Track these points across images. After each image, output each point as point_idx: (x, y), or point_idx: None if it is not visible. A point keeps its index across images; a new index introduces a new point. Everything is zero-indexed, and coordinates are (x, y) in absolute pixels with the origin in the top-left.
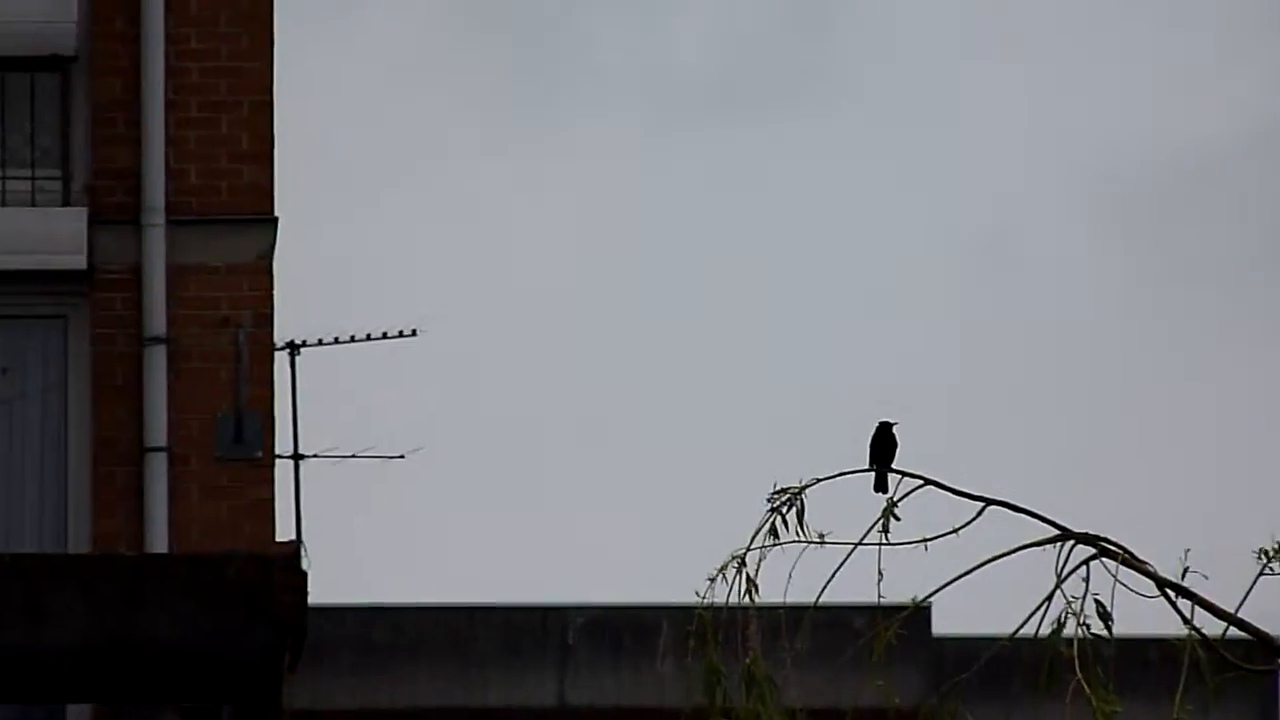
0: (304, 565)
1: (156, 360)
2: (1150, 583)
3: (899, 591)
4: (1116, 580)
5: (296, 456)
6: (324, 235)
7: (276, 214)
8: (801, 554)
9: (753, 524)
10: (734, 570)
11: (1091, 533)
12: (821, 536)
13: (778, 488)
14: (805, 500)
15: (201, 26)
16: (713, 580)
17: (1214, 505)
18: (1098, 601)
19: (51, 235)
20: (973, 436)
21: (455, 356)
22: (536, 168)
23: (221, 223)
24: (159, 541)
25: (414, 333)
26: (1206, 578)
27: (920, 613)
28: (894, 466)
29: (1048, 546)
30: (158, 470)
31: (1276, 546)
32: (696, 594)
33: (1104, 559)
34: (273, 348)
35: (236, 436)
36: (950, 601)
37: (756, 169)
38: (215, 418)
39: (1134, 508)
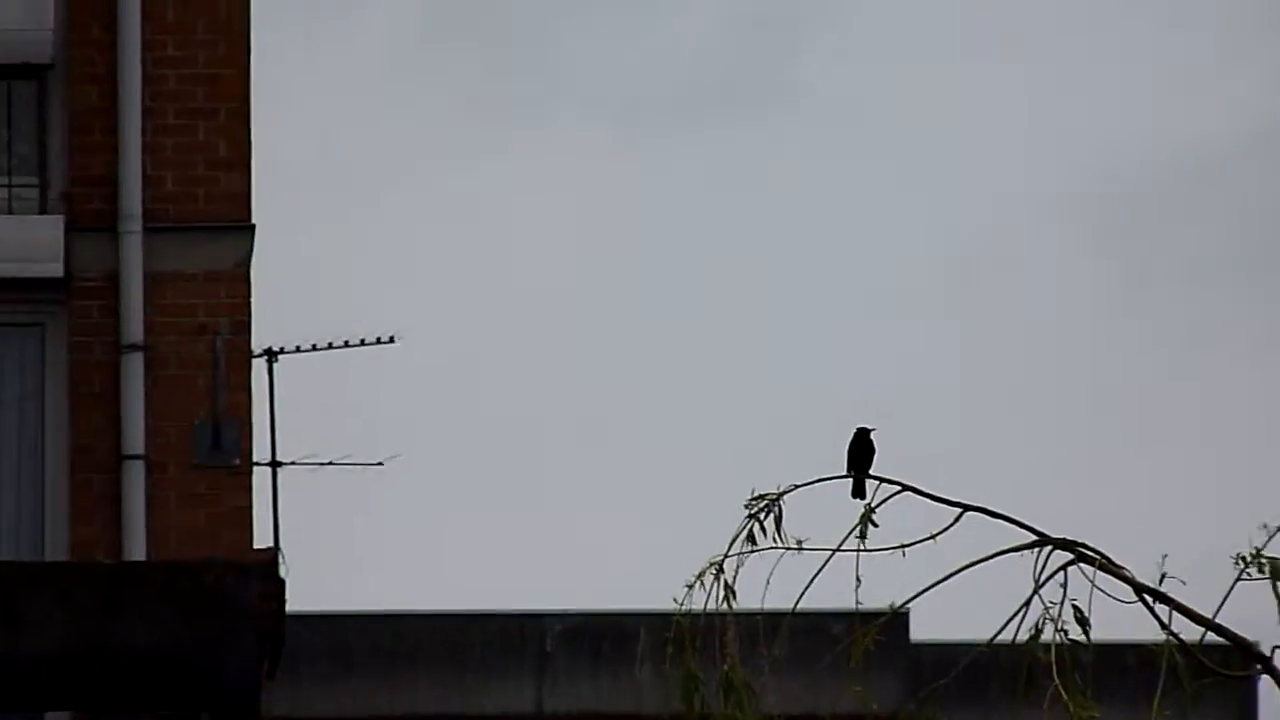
0: (282, 573)
1: (134, 368)
2: (1128, 588)
3: (877, 598)
4: (1094, 586)
5: (274, 464)
6: (301, 242)
7: (254, 221)
8: (779, 560)
9: (741, 525)
10: (712, 577)
11: (1069, 538)
12: (799, 543)
13: (755, 494)
14: (783, 506)
15: (178, 34)
16: (691, 587)
17: (1195, 510)
18: (1075, 607)
19: (28, 243)
20: (972, 437)
21: (444, 359)
22: (535, 168)
23: (199, 230)
24: (137, 549)
25: (392, 339)
26: (1184, 583)
27: (898, 619)
28: (872, 472)
29: (1025, 552)
30: (135, 478)
31: (1254, 552)
32: (674, 601)
33: (1082, 564)
34: (250, 355)
35: (214, 444)
36: (928, 607)
37: (756, 169)
38: (193, 425)
39: (1133, 511)
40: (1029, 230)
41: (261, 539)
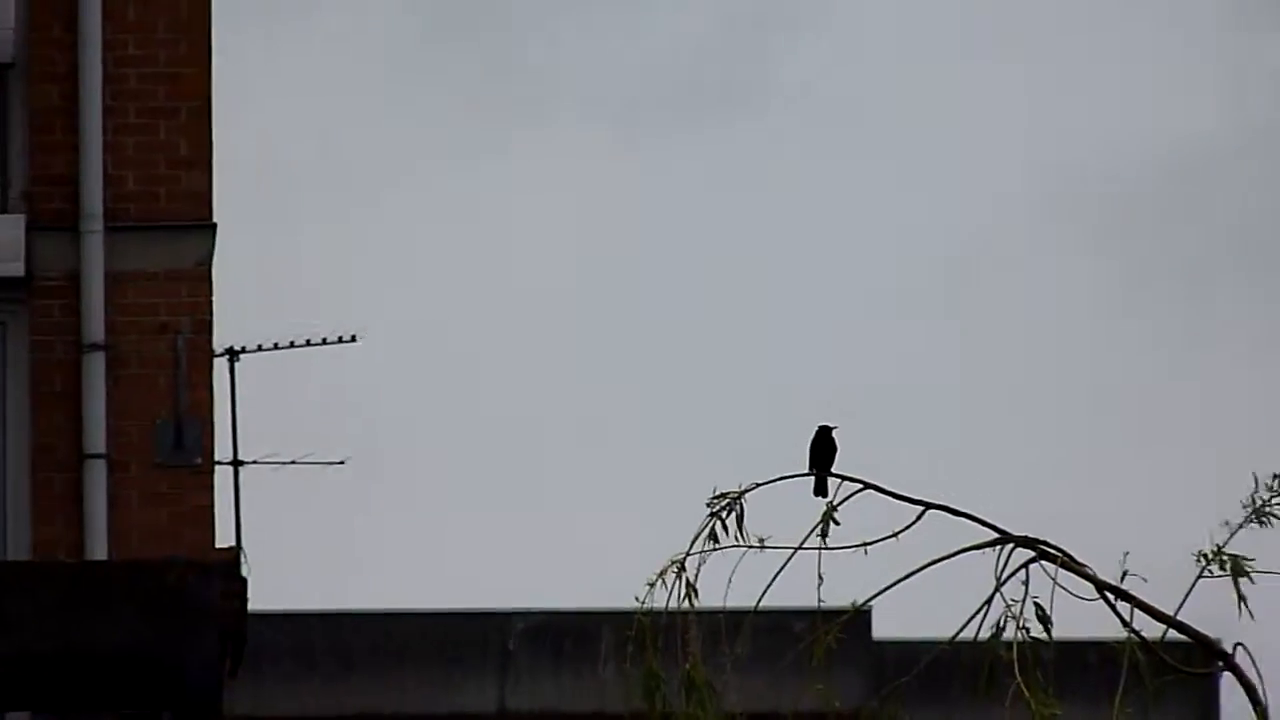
0: (244, 572)
1: (95, 367)
2: (1090, 586)
3: (839, 595)
4: (1056, 583)
5: (236, 463)
6: (263, 241)
7: (215, 220)
8: (741, 558)
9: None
10: (674, 575)
11: (1031, 536)
12: (761, 541)
13: (717, 492)
14: (745, 505)
15: (139, 33)
16: (652, 585)
17: (1158, 509)
18: (1037, 605)
19: None
20: (971, 437)
21: (401, 362)
22: (535, 168)
23: (160, 229)
24: (98, 548)
25: (354, 338)
26: (1146, 580)
27: (860, 616)
28: (834, 470)
29: (987, 550)
30: (97, 477)
31: (1216, 549)
32: (636, 599)
33: (1043, 562)
34: (212, 354)
35: (176, 443)
36: (890, 605)
37: (756, 169)
38: (154, 424)
39: (1080, 512)
40: (1029, 230)
41: (223, 538)
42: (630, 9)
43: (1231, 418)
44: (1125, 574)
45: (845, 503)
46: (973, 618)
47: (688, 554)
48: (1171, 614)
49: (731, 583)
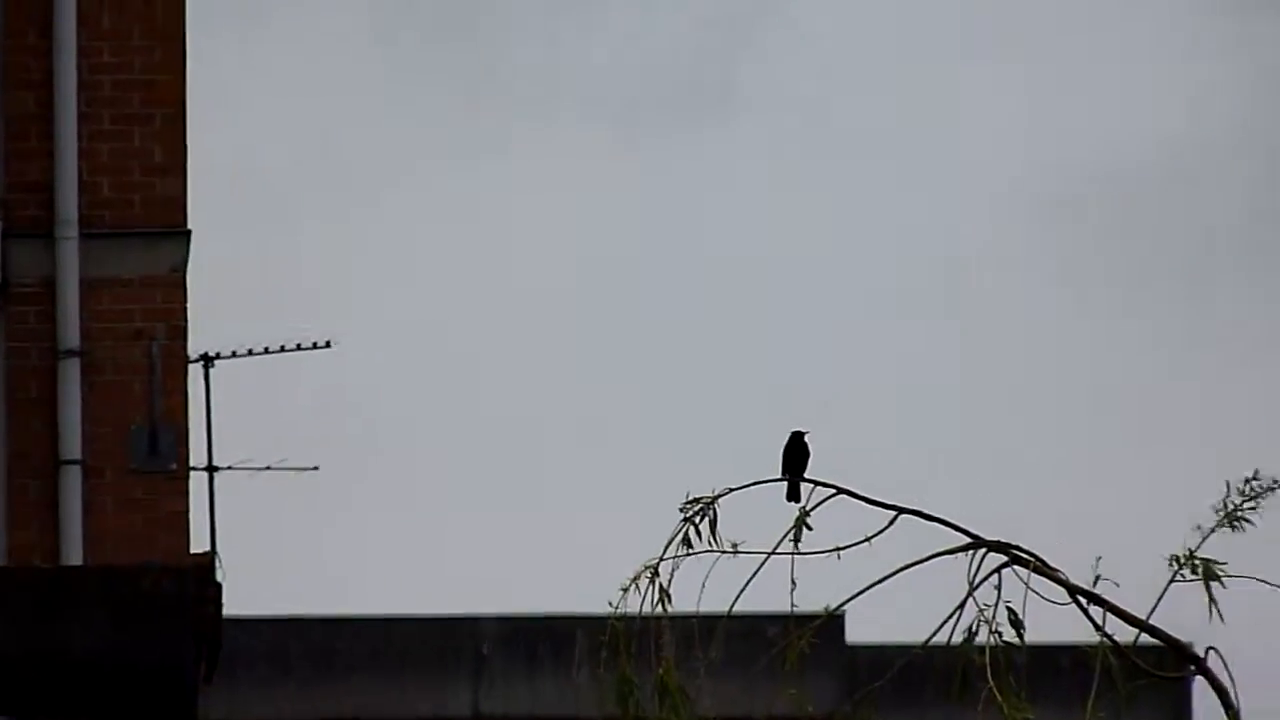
0: (219, 577)
1: (70, 373)
2: (1062, 590)
3: (812, 600)
4: (1029, 588)
5: (211, 469)
6: (238, 247)
7: (189, 226)
8: (715, 563)
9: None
10: (647, 580)
11: (1003, 541)
12: (735, 546)
13: (690, 497)
14: (718, 510)
15: (114, 40)
16: (626, 590)
17: (1130, 513)
18: (1010, 609)
19: None
20: (971, 436)
21: (374, 369)
22: (535, 168)
23: (135, 235)
24: (74, 554)
25: (328, 344)
26: (1118, 585)
27: (833, 621)
28: (807, 475)
29: (960, 555)
30: (72, 483)
31: (1189, 553)
32: (609, 604)
33: (1016, 567)
34: (186, 360)
35: (151, 449)
36: (863, 610)
37: (756, 169)
38: (129, 430)
39: (1053, 516)
40: (1029, 230)
41: (198, 543)
42: (630, 9)
43: (1230, 418)
44: (1098, 578)
45: (818, 508)
46: (945, 622)
47: (661, 559)
48: (1144, 618)
49: (705, 588)
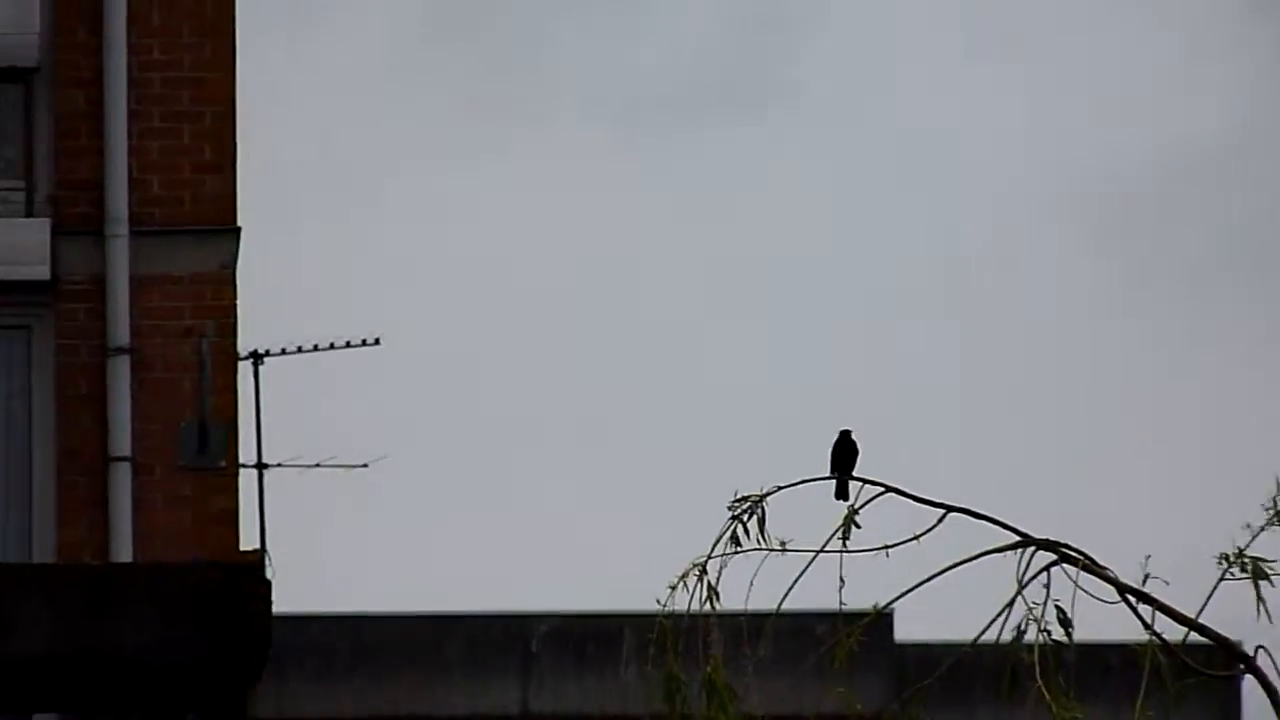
0: (268, 574)
1: (120, 370)
2: (1111, 588)
3: (861, 598)
4: (1077, 586)
5: (260, 465)
6: (287, 245)
7: (239, 224)
8: (763, 561)
9: (724, 527)
10: (695, 578)
11: (1052, 539)
12: (783, 544)
13: (739, 495)
14: (766, 508)
15: (164, 37)
16: (674, 588)
17: (1178, 510)
18: (1058, 607)
19: (15, 246)
20: (971, 436)
21: (442, 359)
22: (535, 168)
23: (184, 233)
24: (123, 551)
25: (377, 341)
26: (1168, 583)
27: (882, 619)
28: (855, 474)
29: (1009, 553)
30: (122, 480)
31: (1238, 551)
32: (657, 602)
33: (1065, 565)
34: (236, 357)
35: (200, 446)
36: (912, 608)
37: (756, 169)
38: (179, 427)
39: (1128, 509)
40: (1029, 230)
41: (247, 540)
42: (630, 10)
43: (1232, 418)
44: (1147, 577)
45: (866, 506)
46: (994, 620)
47: (709, 557)
48: (1190, 616)
49: (753, 586)
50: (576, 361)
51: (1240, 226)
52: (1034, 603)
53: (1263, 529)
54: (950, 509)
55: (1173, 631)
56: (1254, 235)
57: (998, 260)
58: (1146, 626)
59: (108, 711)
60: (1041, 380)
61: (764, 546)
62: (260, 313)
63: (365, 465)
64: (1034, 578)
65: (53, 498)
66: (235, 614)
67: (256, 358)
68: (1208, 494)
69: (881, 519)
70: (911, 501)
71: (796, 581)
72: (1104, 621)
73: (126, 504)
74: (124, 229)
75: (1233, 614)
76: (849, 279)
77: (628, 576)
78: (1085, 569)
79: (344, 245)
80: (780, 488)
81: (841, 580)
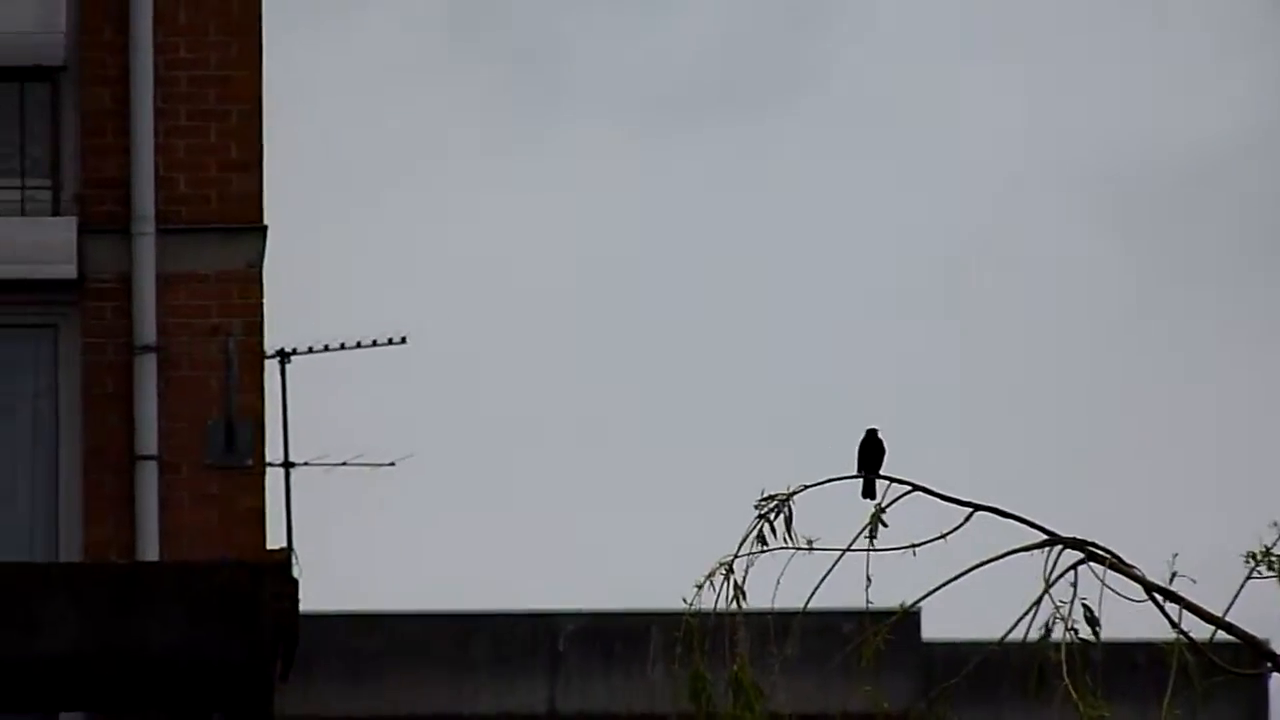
0: (295, 573)
1: (147, 368)
2: (1138, 587)
3: (888, 597)
4: (1104, 585)
5: (287, 464)
6: (314, 243)
7: (266, 222)
8: (790, 560)
9: (751, 526)
10: (721, 577)
11: (1079, 537)
12: (810, 543)
13: (765, 494)
14: (793, 507)
15: (190, 35)
16: (700, 587)
17: (1205, 509)
18: (1085, 606)
19: (42, 244)
20: (972, 437)
21: (451, 359)
22: (536, 168)
23: (211, 231)
24: (150, 550)
25: (404, 340)
26: (1195, 581)
27: (909, 618)
28: (882, 473)
29: (1036, 551)
30: (148, 478)
31: (1265, 550)
32: (684, 600)
33: (1092, 564)
34: (263, 356)
35: (227, 444)
36: (939, 606)
37: (756, 169)
38: (205, 426)
39: (1129, 510)
40: (1029, 230)
41: (274, 539)
42: (631, 10)
43: (1260, 416)
44: (1174, 575)
45: (893, 505)
46: (1021, 619)
47: (736, 555)
48: (1220, 615)
49: (780, 584)
50: (588, 360)
51: (1243, 227)
52: (1061, 601)
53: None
54: (978, 508)
55: (1200, 630)
56: (1256, 234)
57: (998, 260)
58: (1174, 625)
59: (134, 710)
60: (1041, 381)
61: (791, 545)
62: (287, 311)
63: (392, 464)
64: (1061, 576)
65: (79, 496)
66: (262, 613)
67: (283, 356)
68: (1234, 493)
69: (908, 518)
70: (938, 500)
71: (823, 580)
72: (1131, 620)
73: (153, 503)
74: (150, 227)
75: (1260, 612)
76: (849, 279)
77: (654, 575)
78: (1112, 568)
79: (371, 243)
80: (807, 486)
81: (868, 579)
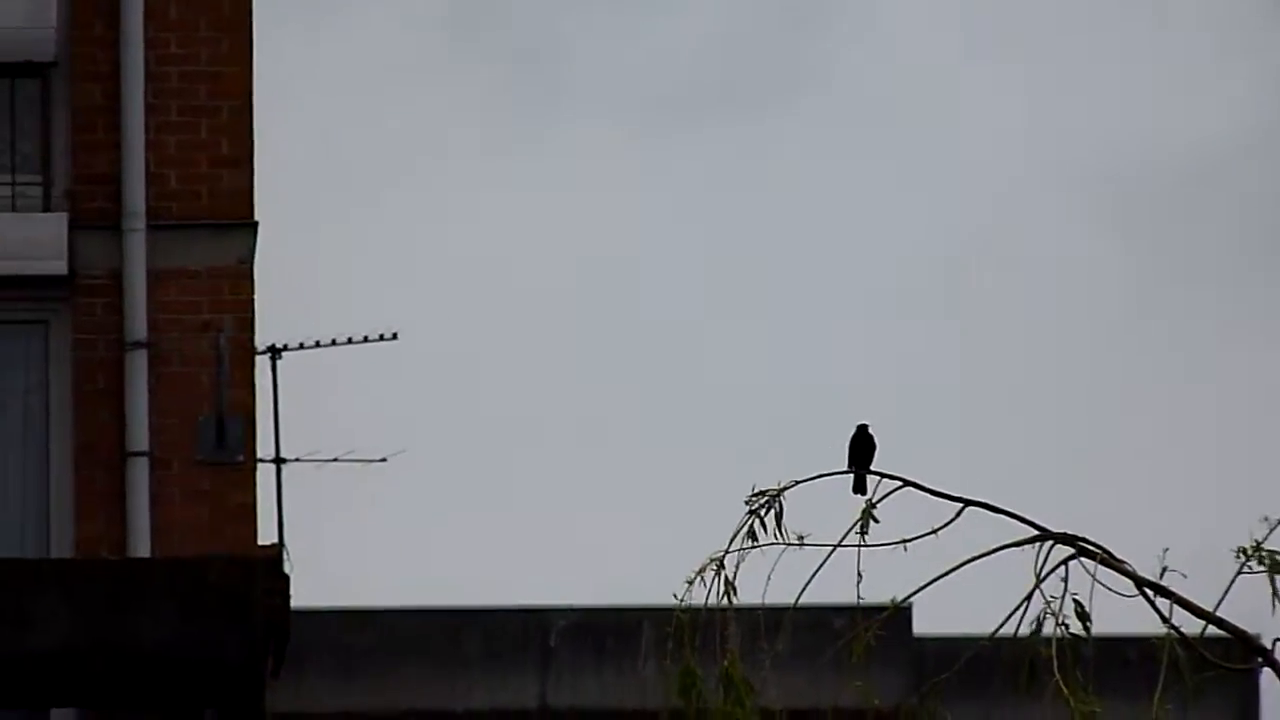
0: (286, 569)
1: (137, 364)
2: (1129, 582)
3: (879, 592)
4: (1095, 580)
5: (278, 460)
6: (305, 239)
7: (256, 218)
8: (780, 556)
9: (742, 521)
10: (713, 573)
11: (1070, 533)
12: (800, 538)
13: (756, 490)
14: (784, 502)
15: (181, 31)
16: (691, 583)
17: (1196, 504)
18: (1076, 601)
19: (32, 240)
20: (971, 436)
21: (443, 356)
22: (533, 167)
23: (202, 227)
24: (141, 546)
25: (395, 336)
26: (1185, 576)
27: (900, 613)
28: (872, 468)
29: (1027, 547)
30: (139, 474)
31: (1255, 545)
32: (675, 596)
33: (1083, 559)
34: (254, 352)
35: (218, 440)
36: (930, 602)
37: (756, 168)
38: (196, 422)
39: (1120, 506)
40: (1029, 230)
41: (265, 535)
42: (632, 9)
43: (1249, 412)
44: (1165, 570)
45: (884, 500)
46: (1012, 614)
47: (726, 551)
48: (1208, 610)
49: (771, 580)
50: (582, 358)
51: (1243, 226)
52: (1052, 597)
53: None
54: (969, 503)
55: (1191, 625)
56: (1257, 235)
57: (997, 260)
58: (1164, 620)
59: (126, 706)
60: (1041, 380)
61: (782, 541)
62: (278, 307)
63: (384, 459)
64: (1052, 572)
65: (70, 492)
66: (253, 608)
67: (274, 352)
68: (1225, 487)
69: (899, 513)
70: (929, 496)
71: (814, 576)
72: (1122, 615)
73: (144, 499)
74: (141, 223)
75: (1250, 607)
76: (849, 279)
77: (645, 571)
78: (1103, 563)
79: (362, 239)
80: (798, 482)
81: (859, 574)
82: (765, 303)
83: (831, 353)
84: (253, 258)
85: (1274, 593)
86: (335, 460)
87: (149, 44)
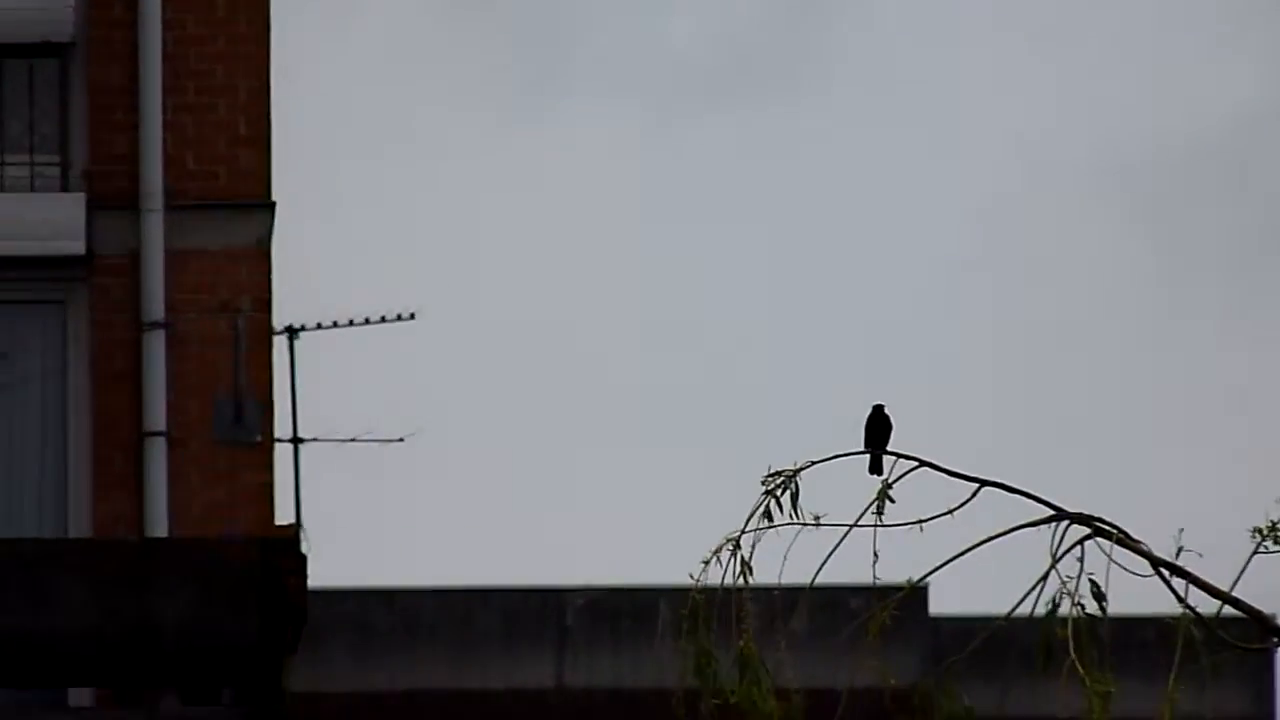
0: (303, 548)
1: (155, 345)
2: (1145, 562)
3: (895, 572)
4: (1111, 560)
5: (296, 440)
6: (323, 220)
7: (274, 199)
8: (797, 536)
9: (758, 502)
10: (729, 553)
11: (1086, 513)
12: (817, 518)
13: (772, 470)
14: (800, 483)
15: (199, 12)
16: (707, 563)
17: (1212, 484)
18: (1092, 581)
19: (50, 221)
20: (973, 430)
21: (461, 335)
22: (543, 149)
23: (220, 208)
24: (159, 525)
25: (412, 316)
26: (1201, 556)
27: (916, 593)
28: (889, 448)
29: (1043, 527)
30: (157, 454)
31: (1271, 525)
32: (691, 576)
33: (1099, 539)
34: (271, 332)
35: (235, 420)
36: (946, 582)
37: (756, 169)
38: (214, 402)
39: (1136, 486)
40: (1029, 228)
41: (283, 515)
42: (632, 2)
43: (1266, 392)
44: (1181, 550)
45: (900, 480)
46: (1028, 594)
47: (743, 531)
48: (1224, 590)
49: (787, 560)
50: (597, 332)
51: (1244, 219)
52: (1068, 576)
53: None
54: (985, 483)
55: (1206, 605)
56: (1258, 227)
57: (998, 258)
58: (1180, 600)
59: (144, 685)
60: (1045, 367)
61: (798, 521)
62: (295, 287)
63: (401, 439)
64: (1068, 551)
65: (88, 473)
66: (271, 588)
67: (292, 332)
68: (1241, 467)
69: (915, 493)
70: (945, 476)
71: (830, 556)
72: (1138, 595)
73: (162, 479)
74: (159, 204)
75: (1267, 587)
76: (849, 279)
77: (661, 551)
78: (1119, 543)
79: (379, 219)
80: (814, 462)
81: (875, 555)
82: (765, 303)
83: (832, 352)
84: (270, 238)
85: None
86: (353, 440)
87: (167, 24)
